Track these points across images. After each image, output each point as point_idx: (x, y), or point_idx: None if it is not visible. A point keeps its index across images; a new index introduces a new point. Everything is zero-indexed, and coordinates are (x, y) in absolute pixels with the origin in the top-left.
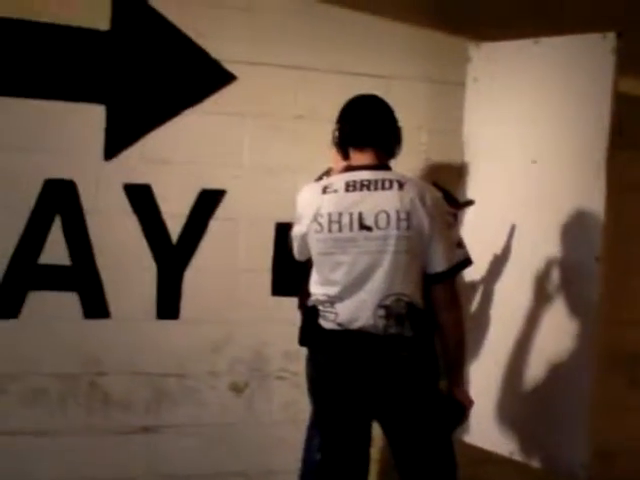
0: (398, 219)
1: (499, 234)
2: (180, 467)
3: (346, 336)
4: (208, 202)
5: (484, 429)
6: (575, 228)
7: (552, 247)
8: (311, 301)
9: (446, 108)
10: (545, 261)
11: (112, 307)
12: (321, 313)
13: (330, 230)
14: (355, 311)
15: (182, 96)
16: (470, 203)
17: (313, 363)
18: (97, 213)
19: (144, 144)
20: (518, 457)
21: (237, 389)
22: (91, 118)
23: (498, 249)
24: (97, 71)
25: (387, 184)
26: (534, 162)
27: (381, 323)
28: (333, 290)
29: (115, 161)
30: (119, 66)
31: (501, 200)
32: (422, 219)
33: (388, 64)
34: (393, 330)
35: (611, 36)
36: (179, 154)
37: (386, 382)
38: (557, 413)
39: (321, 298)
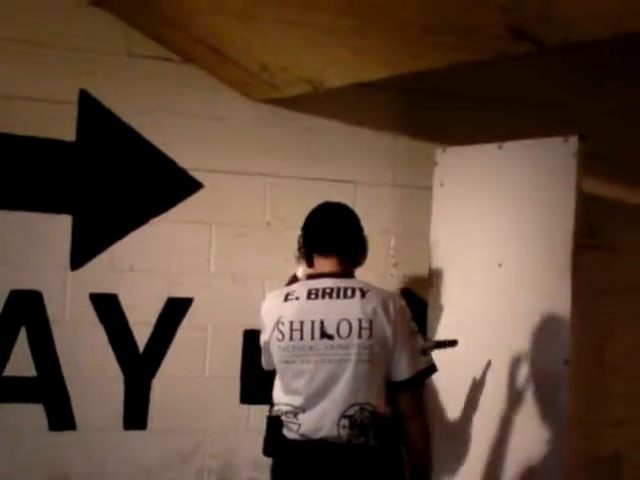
0: (360, 328)
1: (466, 337)
2: None
3: (309, 447)
4: (175, 310)
5: None
6: (543, 331)
7: (521, 351)
8: (274, 411)
9: (413, 212)
10: (514, 365)
11: (78, 418)
12: (285, 423)
13: (292, 338)
14: (318, 422)
15: (149, 205)
16: (454, 343)
17: (276, 474)
18: (63, 323)
19: (111, 253)
20: None
21: None
22: (57, 228)
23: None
24: (63, 181)
25: (349, 292)
26: (500, 265)
27: (345, 434)
28: (296, 400)
29: (81, 271)
30: (85, 176)
31: (468, 304)
32: (385, 327)
33: (355, 169)
34: (357, 440)
35: (573, 139)
36: (146, 263)
37: None
38: None
39: (284, 408)
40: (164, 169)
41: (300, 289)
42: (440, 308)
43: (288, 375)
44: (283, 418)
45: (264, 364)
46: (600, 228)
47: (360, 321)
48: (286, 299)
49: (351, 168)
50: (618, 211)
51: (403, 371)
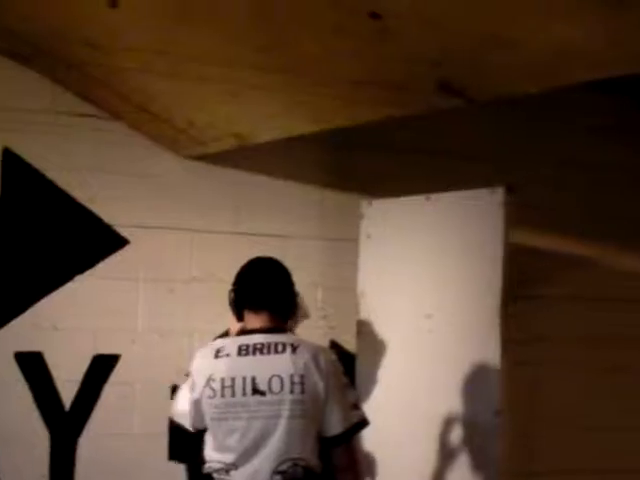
0: (292, 383)
1: (396, 390)
2: None
3: None
4: (102, 367)
5: None
6: (474, 382)
7: (451, 402)
8: (206, 468)
9: (341, 265)
10: (445, 417)
11: (3, 477)
12: None
13: (223, 395)
14: (250, 479)
15: (74, 262)
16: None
17: None
18: None
19: (35, 311)
20: None
21: None
22: None
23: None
24: None
25: (280, 347)
26: (429, 316)
27: None
28: (228, 457)
29: (5, 329)
30: (8, 233)
31: (397, 355)
32: (317, 382)
33: (283, 223)
34: None
35: (500, 190)
36: (71, 320)
37: None
38: None
39: (215, 465)
40: (89, 225)
41: (230, 345)
42: (368, 362)
43: (220, 432)
44: (215, 476)
45: (190, 424)
46: (530, 277)
47: (292, 376)
48: (216, 356)
49: (279, 222)
50: (548, 260)
51: (336, 425)
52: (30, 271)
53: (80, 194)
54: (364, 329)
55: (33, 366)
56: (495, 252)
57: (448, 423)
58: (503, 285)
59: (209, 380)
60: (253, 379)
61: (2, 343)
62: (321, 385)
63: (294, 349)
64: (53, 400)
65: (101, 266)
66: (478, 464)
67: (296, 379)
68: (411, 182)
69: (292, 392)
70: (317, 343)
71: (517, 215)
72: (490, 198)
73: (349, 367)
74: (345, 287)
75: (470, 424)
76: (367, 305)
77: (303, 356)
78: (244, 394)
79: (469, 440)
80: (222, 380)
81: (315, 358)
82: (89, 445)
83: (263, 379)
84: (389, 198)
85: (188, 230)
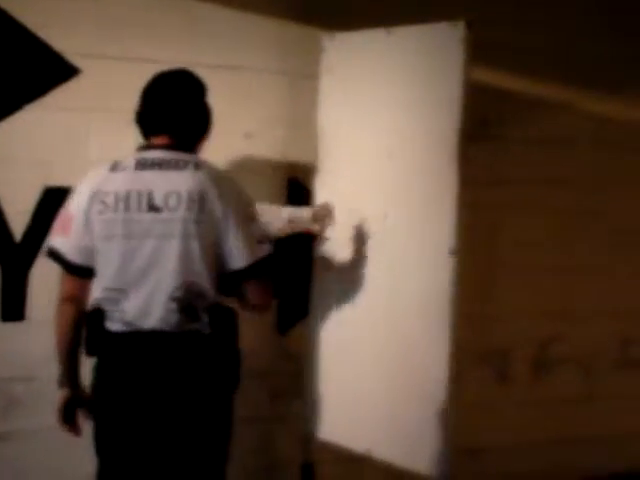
0: (190, 200)
1: (351, 223)
2: (32, 475)
3: (135, 338)
4: (52, 200)
5: (339, 424)
6: (429, 221)
7: (407, 242)
8: (93, 301)
9: (301, 101)
10: (399, 256)
11: None
12: (107, 314)
13: (116, 210)
14: (144, 306)
15: (22, 91)
16: None
17: (100, 374)
18: None
19: None
20: (376, 455)
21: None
22: None
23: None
24: None
25: (182, 164)
26: (389, 154)
27: (174, 319)
28: (117, 283)
29: None
30: None
31: (356, 193)
32: (216, 206)
33: (240, 56)
34: (188, 327)
35: (460, 25)
36: (20, 152)
37: (176, 389)
38: (416, 411)
39: (103, 294)
40: (38, 53)
41: (129, 160)
42: (326, 198)
43: (109, 255)
44: (104, 307)
45: (70, 254)
46: (493, 118)
47: (190, 193)
48: (113, 169)
49: (236, 54)
50: (513, 102)
51: (240, 258)
52: None
53: (27, 19)
54: (323, 166)
55: None
56: (456, 90)
57: (403, 262)
58: (462, 124)
59: (100, 193)
60: (149, 194)
61: None
62: (220, 208)
63: (197, 166)
64: (3, 232)
65: (51, 96)
66: (431, 304)
67: (195, 197)
68: (375, 14)
69: (189, 209)
70: (226, 171)
71: (482, 54)
72: (450, 32)
73: (308, 204)
74: (305, 124)
75: (424, 263)
76: (327, 142)
77: (205, 175)
78: (139, 210)
79: (422, 280)
80: (116, 194)
81: (218, 181)
82: (40, 278)
83: (160, 195)
84: (351, 31)
85: (141, 60)
